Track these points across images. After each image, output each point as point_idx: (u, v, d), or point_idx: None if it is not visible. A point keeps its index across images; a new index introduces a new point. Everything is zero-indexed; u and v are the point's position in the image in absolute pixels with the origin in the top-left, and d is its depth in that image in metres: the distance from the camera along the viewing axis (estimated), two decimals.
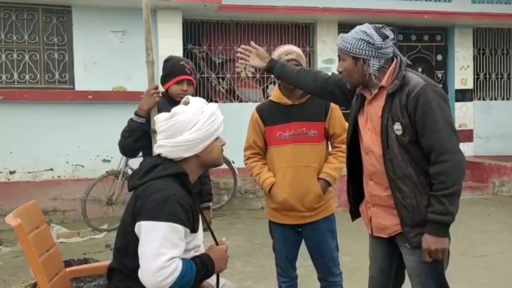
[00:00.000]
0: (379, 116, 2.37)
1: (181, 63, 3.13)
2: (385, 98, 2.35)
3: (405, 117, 2.29)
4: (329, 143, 3.20)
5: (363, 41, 2.31)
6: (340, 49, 2.39)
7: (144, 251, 1.97)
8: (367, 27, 2.36)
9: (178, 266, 1.98)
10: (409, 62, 2.45)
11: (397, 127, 2.31)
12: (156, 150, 2.19)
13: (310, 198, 3.04)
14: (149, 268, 1.94)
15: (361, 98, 2.51)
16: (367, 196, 2.54)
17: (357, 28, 2.37)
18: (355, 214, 2.70)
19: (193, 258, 2.11)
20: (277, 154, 3.09)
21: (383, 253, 2.58)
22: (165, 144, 2.15)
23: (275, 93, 3.16)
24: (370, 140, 2.43)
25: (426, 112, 2.24)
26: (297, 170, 3.04)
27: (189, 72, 3.11)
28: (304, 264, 3.51)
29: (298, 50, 3.10)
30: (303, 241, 3.21)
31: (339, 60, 2.48)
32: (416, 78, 2.32)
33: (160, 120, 2.18)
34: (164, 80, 3.10)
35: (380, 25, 2.39)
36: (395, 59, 2.38)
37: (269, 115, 3.12)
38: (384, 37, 2.32)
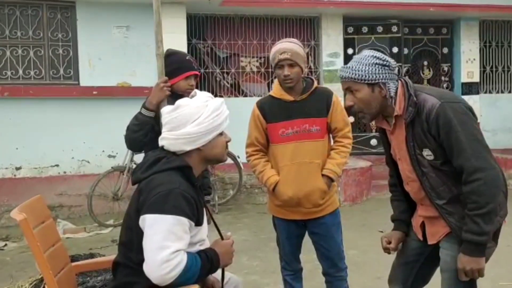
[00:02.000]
0: (404, 146, 2.30)
1: (187, 58, 3.16)
2: (404, 127, 2.28)
3: (432, 142, 2.20)
4: (331, 136, 3.16)
5: (377, 65, 2.23)
6: (352, 80, 2.24)
7: (149, 244, 1.97)
8: (372, 52, 2.28)
9: (183, 259, 1.98)
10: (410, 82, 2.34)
11: (427, 153, 2.24)
12: (160, 142, 2.20)
13: (315, 195, 3.01)
14: (154, 261, 1.94)
15: (382, 132, 2.47)
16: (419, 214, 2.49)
17: (363, 55, 2.27)
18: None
19: (198, 252, 2.11)
20: (280, 152, 3.05)
21: (415, 246, 2.53)
22: (168, 137, 2.15)
23: (275, 89, 3.11)
24: (405, 169, 2.38)
25: (448, 132, 2.14)
26: (301, 167, 3.01)
27: (195, 67, 3.14)
28: (311, 259, 3.50)
29: (294, 47, 2.97)
30: (306, 235, 3.20)
31: (345, 94, 2.33)
32: (430, 99, 2.21)
33: (165, 112, 2.20)
34: (170, 76, 3.03)
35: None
36: (399, 82, 2.30)
37: (271, 111, 3.06)
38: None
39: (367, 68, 2.22)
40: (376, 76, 2.22)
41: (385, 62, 2.24)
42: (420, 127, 2.22)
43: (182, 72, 3.05)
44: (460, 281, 2.28)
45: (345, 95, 2.36)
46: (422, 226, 2.47)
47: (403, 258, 2.59)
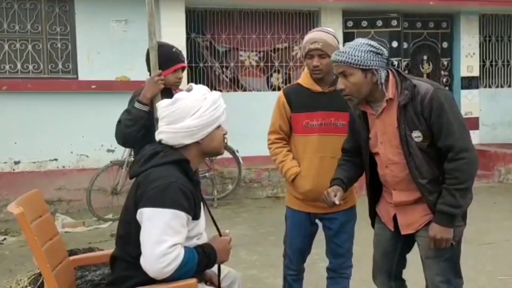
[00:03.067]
0: (395, 127, 2.41)
1: (174, 50, 3.07)
2: (396, 109, 2.39)
3: (423, 124, 2.36)
4: None
5: (371, 53, 2.34)
6: (347, 64, 2.34)
7: (146, 238, 1.97)
8: (366, 40, 2.40)
9: (180, 253, 1.98)
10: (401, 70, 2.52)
11: (416, 134, 2.37)
12: (157, 137, 2.18)
13: None
14: (151, 254, 1.94)
15: (363, 117, 2.54)
16: (390, 202, 2.57)
17: (358, 42, 2.38)
18: (374, 216, 2.74)
19: (196, 247, 2.10)
20: (303, 143, 2.96)
21: (389, 236, 2.63)
22: (166, 130, 2.14)
23: (304, 77, 3.00)
24: (388, 153, 2.47)
25: (440, 115, 2.32)
26: (323, 160, 2.92)
27: (182, 59, 3.08)
28: (312, 253, 3.49)
29: (326, 37, 2.87)
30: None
31: (336, 77, 2.45)
32: (423, 84, 2.39)
33: (162, 106, 2.18)
34: (158, 69, 2.96)
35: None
36: (389, 71, 2.44)
37: (297, 100, 2.96)
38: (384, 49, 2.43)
39: (362, 54, 2.33)
40: (370, 63, 2.34)
41: (378, 51, 2.37)
42: (413, 110, 2.36)
43: (170, 66, 2.98)
44: (447, 265, 2.45)
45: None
46: (393, 218, 2.58)
47: (381, 250, 2.69)
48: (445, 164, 2.34)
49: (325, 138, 2.93)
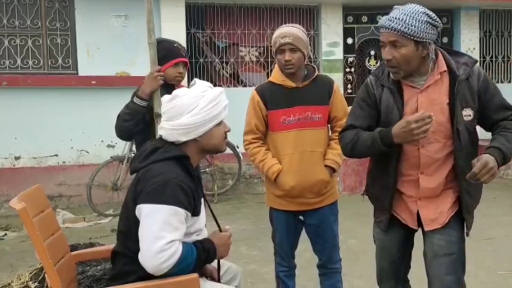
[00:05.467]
0: (445, 103, 2.26)
1: (175, 45, 3.10)
2: (449, 84, 2.25)
3: (476, 101, 2.26)
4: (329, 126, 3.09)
5: (428, 24, 2.15)
6: (401, 33, 2.14)
7: (144, 234, 1.98)
8: (423, 8, 2.19)
9: (178, 249, 1.98)
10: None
11: (467, 112, 2.26)
12: (158, 132, 2.20)
13: (318, 184, 2.96)
14: (149, 250, 1.94)
15: (398, 91, 2.32)
16: (412, 192, 2.39)
17: (415, 10, 2.17)
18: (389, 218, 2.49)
19: (195, 243, 2.10)
20: (282, 140, 2.96)
21: (399, 240, 2.51)
22: (165, 126, 2.15)
23: (276, 74, 3.00)
24: (430, 129, 2.27)
25: (493, 88, 2.31)
26: (303, 156, 2.93)
27: (184, 55, 3.09)
28: (310, 248, 3.51)
29: (296, 31, 2.89)
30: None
31: (382, 46, 2.24)
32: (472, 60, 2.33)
33: (164, 101, 2.19)
34: (158, 64, 3.01)
35: None
36: (432, 44, 2.27)
37: (272, 98, 2.96)
38: None
39: (420, 25, 2.14)
40: (426, 35, 2.16)
41: (436, 23, 2.18)
42: (468, 86, 2.25)
43: (169, 60, 3.01)
44: (458, 262, 2.35)
45: (381, 47, 2.27)
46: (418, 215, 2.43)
47: (389, 258, 2.56)
48: (503, 122, 2.29)
49: (302, 132, 2.93)
